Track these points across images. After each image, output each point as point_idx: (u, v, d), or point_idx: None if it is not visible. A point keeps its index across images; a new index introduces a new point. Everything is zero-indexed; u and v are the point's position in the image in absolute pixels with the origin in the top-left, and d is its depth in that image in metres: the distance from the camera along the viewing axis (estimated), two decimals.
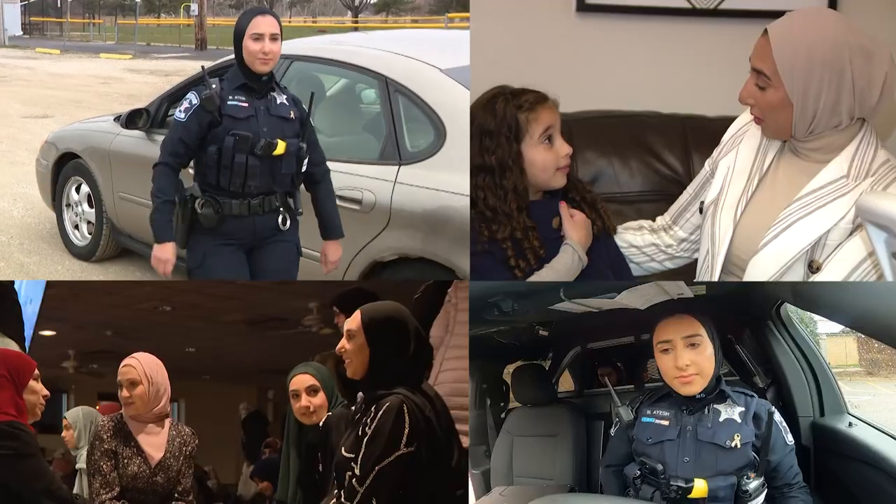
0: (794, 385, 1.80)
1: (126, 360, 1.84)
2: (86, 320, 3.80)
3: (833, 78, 1.46)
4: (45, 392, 1.55)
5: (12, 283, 2.13)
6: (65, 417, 2.30)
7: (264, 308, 3.52)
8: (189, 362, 4.60)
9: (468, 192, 1.51)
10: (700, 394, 1.49)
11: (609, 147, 2.18)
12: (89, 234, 3.01)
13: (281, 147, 1.84)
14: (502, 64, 2.48)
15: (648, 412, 1.53)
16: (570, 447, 2.19)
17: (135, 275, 2.94)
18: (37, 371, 1.54)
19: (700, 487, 1.41)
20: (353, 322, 1.41)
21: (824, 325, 2.11)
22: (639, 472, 1.50)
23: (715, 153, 1.78)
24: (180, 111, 1.85)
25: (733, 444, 1.44)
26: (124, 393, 1.80)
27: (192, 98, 1.83)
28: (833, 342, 2.39)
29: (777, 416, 1.49)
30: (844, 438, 1.66)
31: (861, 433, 1.65)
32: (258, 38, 1.83)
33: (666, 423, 1.49)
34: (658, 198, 2.07)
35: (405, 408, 1.32)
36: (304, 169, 1.90)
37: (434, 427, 1.35)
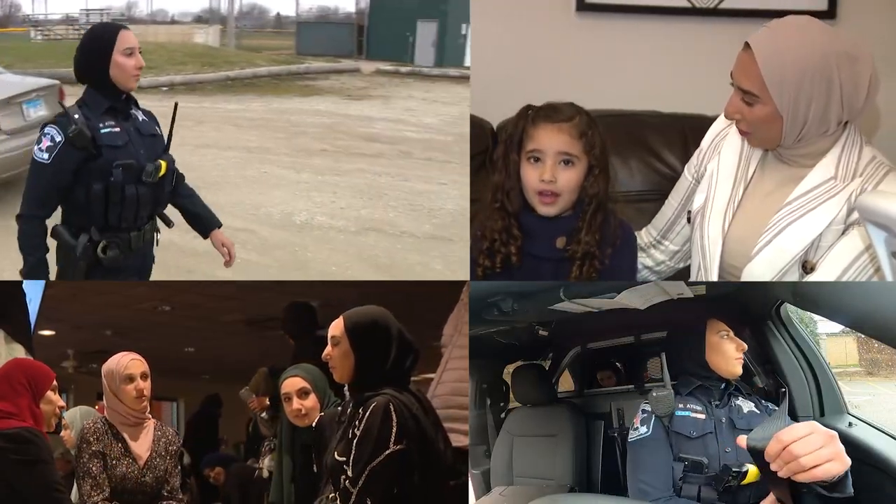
0: (794, 385, 1.80)
1: (127, 355, 1.83)
2: (85, 320, 3.79)
3: (822, 87, 1.46)
4: (62, 403, 1.58)
5: (21, 283, 2.12)
6: (63, 417, 2.30)
7: (264, 308, 3.51)
8: (188, 362, 4.59)
9: None
10: (726, 383, 1.59)
11: (609, 146, 2.18)
12: None
13: (163, 167, 1.72)
14: (502, 64, 2.49)
15: (681, 406, 1.54)
16: (570, 447, 2.18)
17: None
18: (55, 382, 1.56)
19: (753, 471, 1.44)
20: (337, 328, 1.44)
21: (824, 325, 2.11)
22: (682, 474, 1.49)
23: (694, 159, 1.78)
24: (41, 150, 1.61)
25: None
26: (139, 385, 1.79)
27: (55, 135, 1.60)
28: (833, 342, 2.39)
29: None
30: (844, 438, 1.64)
31: (861, 433, 1.65)
32: (131, 52, 1.66)
33: (702, 416, 1.52)
34: (658, 197, 2.06)
35: (391, 406, 1.34)
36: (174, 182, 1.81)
37: (422, 424, 1.36)
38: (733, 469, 1.45)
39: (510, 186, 1.58)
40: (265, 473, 2.27)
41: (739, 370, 1.61)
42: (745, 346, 1.60)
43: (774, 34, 1.49)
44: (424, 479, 1.34)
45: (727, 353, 1.59)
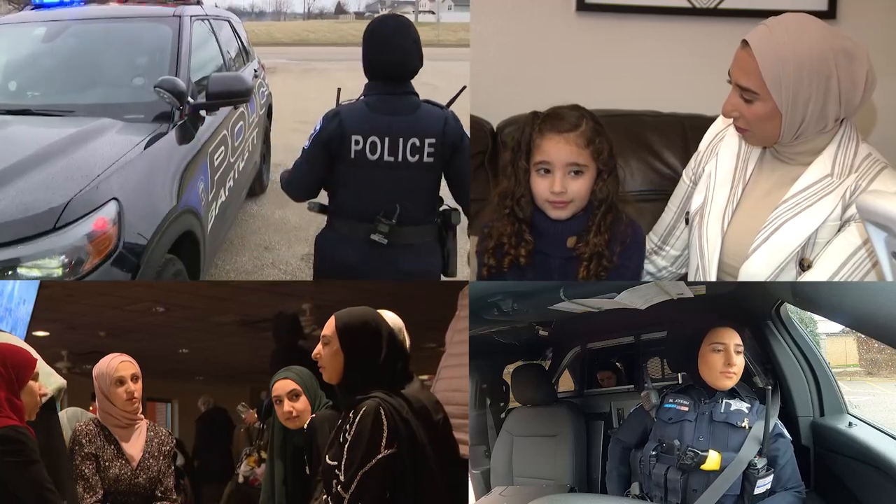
0: (794, 385, 1.80)
1: (117, 357, 1.81)
2: (79, 321, 3.77)
3: (820, 84, 1.46)
4: (44, 391, 1.50)
5: None
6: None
7: (258, 309, 3.49)
8: (182, 363, 4.57)
9: None
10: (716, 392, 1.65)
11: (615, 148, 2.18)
12: None
13: None
14: (502, 64, 2.48)
15: (671, 399, 1.69)
16: (570, 447, 2.18)
17: None
18: (36, 369, 1.47)
19: (714, 458, 1.54)
20: (328, 328, 1.43)
21: (824, 325, 2.11)
22: (654, 452, 1.61)
23: (692, 163, 1.78)
24: None
25: (743, 425, 1.57)
26: (130, 388, 1.78)
27: None
28: (833, 342, 2.39)
29: (779, 423, 1.62)
30: (844, 438, 1.66)
31: (861, 433, 1.65)
32: None
33: (686, 408, 1.65)
34: (658, 197, 2.07)
35: (382, 410, 1.33)
36: None
37: (413, 428, 1.35)
38: (692, 449, 1.54)
39: (520, 193, 1.57)
40: (240, 479, 2.29)
41: (726, 384, 1.62)
42: (736, 364, 1.61)
43: (773, 31, 1.49)
44: (416, 483, 1.34)
45: (714, 366, 1.63)
